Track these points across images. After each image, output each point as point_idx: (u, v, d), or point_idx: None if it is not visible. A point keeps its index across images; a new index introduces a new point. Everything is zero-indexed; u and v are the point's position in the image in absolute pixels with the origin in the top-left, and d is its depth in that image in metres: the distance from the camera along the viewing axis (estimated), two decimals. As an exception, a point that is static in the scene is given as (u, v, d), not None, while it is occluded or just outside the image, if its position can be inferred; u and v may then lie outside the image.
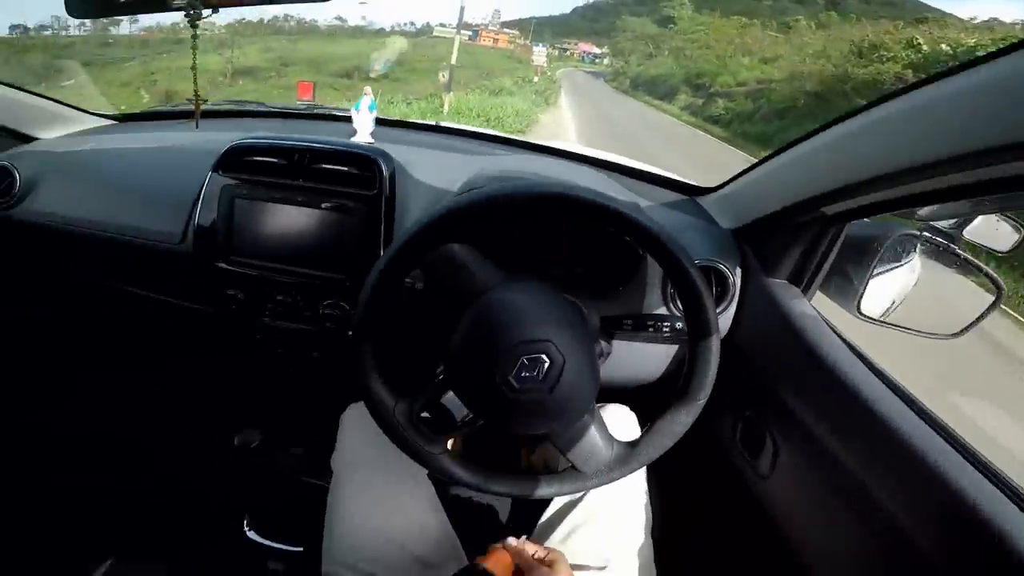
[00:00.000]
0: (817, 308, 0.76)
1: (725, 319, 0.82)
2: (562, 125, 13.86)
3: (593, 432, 0.57)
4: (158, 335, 1.25)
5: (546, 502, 0.71)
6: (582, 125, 14.21)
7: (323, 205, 0.82)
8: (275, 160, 0.84)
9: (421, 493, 0.73)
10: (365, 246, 0.82)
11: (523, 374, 0.50)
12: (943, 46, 13.31)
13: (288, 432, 1.23)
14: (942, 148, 0.46)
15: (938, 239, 0.75)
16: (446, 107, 12.43)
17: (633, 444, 0.58)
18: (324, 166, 0.83)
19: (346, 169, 0.83)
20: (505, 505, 0.82)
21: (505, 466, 0.59)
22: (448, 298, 0.57)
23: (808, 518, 0.66)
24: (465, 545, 0.72)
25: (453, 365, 0.55)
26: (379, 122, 1.18)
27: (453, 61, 13.47)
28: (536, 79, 25.89)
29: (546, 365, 0.50)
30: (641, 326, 0.77)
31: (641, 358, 0.84)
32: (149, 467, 1.23)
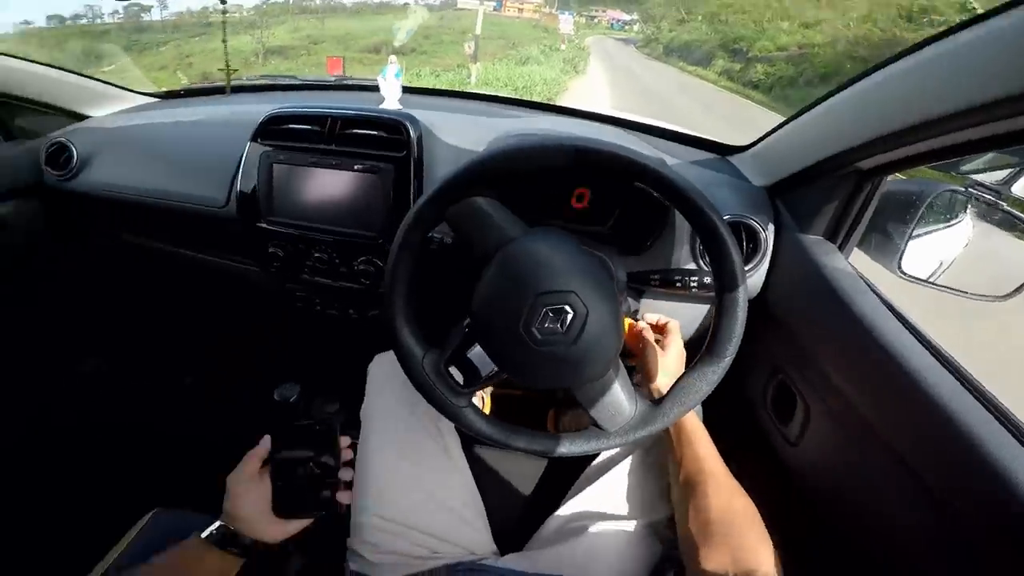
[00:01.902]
0: (855, 266, 0.73)
1: (757, 277, 0.80)
2: (593, 92, 13.47)
3: (617, 389, 0.55)
4: (205, 294, 1.32)
5: (571, 462, 0.70)
6: (614, 91, 13.76)
7: (355, 167, 0.85)
8: (309, 127, 0.87)
9: (447, 444, 0.74)
10: (395, 205, 0.84)
11: (546, 325, 0.50)
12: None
13: (324, 387, 1.30)
14: (976, 95, 0.44)
15: (984, 195, 0.71)
16: (473, 77, 12.27)
17: (657, 402, 0.57)
18: (355, 131, 0.85)
19: (375, 133, 0.85)
20: (529, 461, 0.83)
21: (531, 426, 0.59)
22: (473, 250, 0.57)
23: (838, 488, 0.63)
24: (485, 496, 0.74)
25: (478, 317, 0.55)
26: (408, 90, 1.19)
27: (478, 31, 13.24)
28: (564, 47, 25.13)
29: (569, 316, 0.50)
30: (668, 281, 0.76)
31: (671, 317, 0.84)
32: (192, 418, 1.30)
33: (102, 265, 1.30)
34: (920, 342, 0.58)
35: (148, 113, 1.17)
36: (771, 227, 0.79)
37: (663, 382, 0.63)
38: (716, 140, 1.04)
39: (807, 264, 0.72)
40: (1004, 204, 0.71)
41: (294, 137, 0.88)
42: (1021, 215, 0.72)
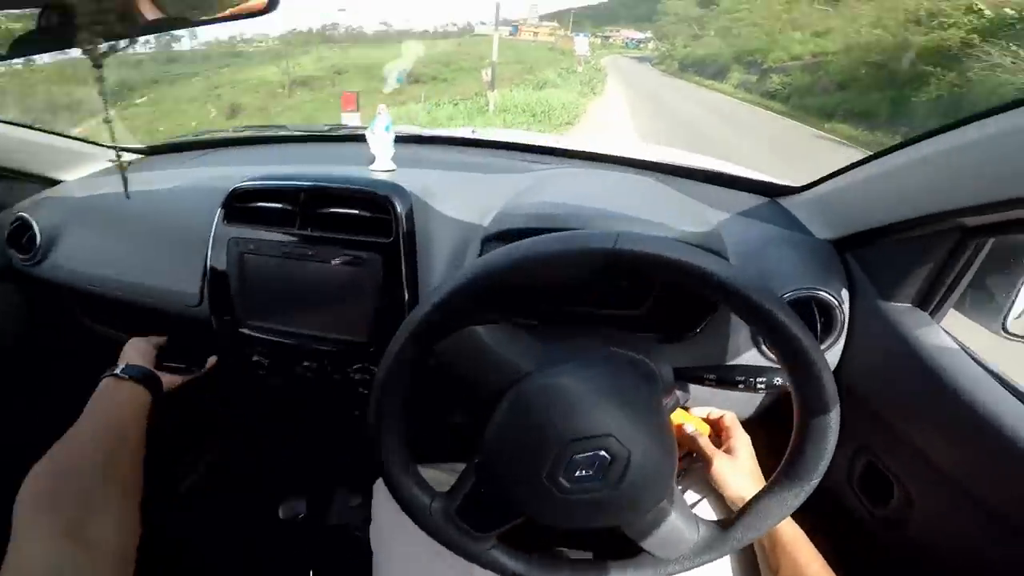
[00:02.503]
0: (950, 332, 0.62)
1: (832, 355, 0.67)
2: (613, 113, 13.50)
3: (673, 518, 0.48)
4: (187, 405, 1.19)
5: None
6: (634, 111, 13.78)
7: (333, 260, 0.71)
8: (279, 206, 0.74)
9: (467, 568, 0.62)
10: (386, 305, 0.71)
11: (577, 473, 0.43)
12: (1006, 9, 12.07)
13: (335, 495, 1.14)
14: None
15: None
16: (491, 105, 12.42)
17: (724, 526, 0.50)
18: (333, 210, 0.72)
19: (357, 212, 0.72)
20: None
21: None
22: (477, 391, 0.47)
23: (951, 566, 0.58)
24: None
25: (488, 464, 0.47)
26: (405, 139, 1.06)
27: (494, 58, 13.45)
28: (580, 69, 25.48)
29: (606, 461, 0.43)
30: (728, 381, 0.58)
31: (724, 400, 0.68)
32: (201, 552, 1.10)
33: (75, 357, 1.17)
34: None
35: (120, 178, 1.06)
36: (845, 293, 0.66)
37: (744, 486, 0.58)
38: (762, 179, 0.89)
39: (895, 338, 0.62)
40: None
41: (264, 219, 0.75)
42: None
